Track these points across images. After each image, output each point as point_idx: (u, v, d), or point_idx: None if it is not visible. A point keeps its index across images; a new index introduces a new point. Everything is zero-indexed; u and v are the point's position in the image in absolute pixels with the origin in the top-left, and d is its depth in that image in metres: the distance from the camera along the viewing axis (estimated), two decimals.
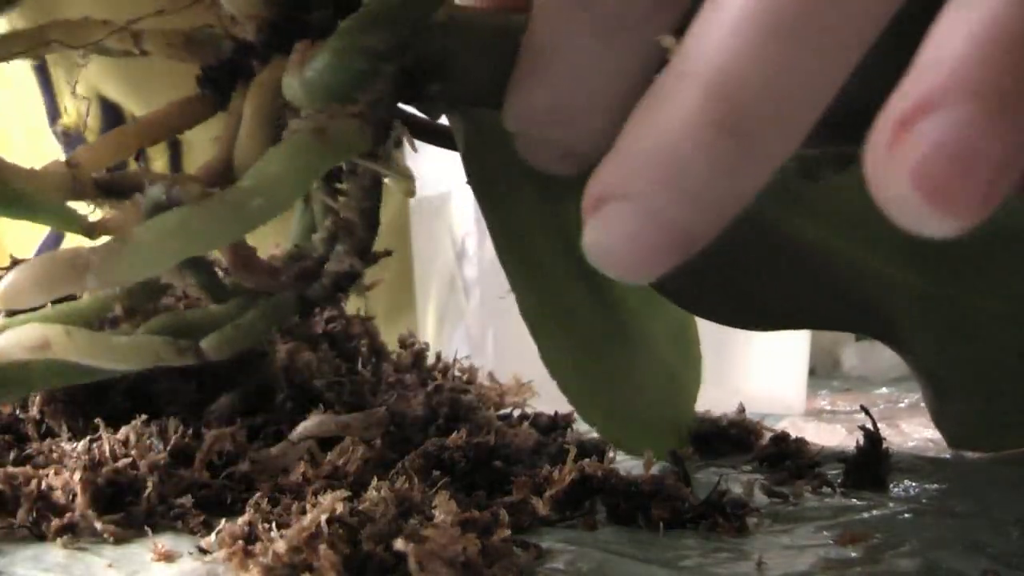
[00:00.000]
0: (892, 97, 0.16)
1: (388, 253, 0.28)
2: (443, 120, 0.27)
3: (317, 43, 0.23)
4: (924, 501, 0.31)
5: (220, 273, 0.25)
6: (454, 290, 0.53)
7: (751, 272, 0.32)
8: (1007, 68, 0.16)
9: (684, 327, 0.37)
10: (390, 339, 0.40)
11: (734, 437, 0.39)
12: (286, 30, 0.24)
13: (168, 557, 0.23)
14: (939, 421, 0.39)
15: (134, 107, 0.73)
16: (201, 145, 0.74)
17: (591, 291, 0.32)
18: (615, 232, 0.19)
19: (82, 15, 0.25)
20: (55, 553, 0.24)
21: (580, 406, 0.32)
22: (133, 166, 0.25)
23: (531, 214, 0.28)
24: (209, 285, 0.24)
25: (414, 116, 0.26)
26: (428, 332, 0.55)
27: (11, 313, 0.22)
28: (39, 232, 0.84)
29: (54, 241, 0.82)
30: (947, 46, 0.16)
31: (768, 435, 0.38)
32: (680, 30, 0.19)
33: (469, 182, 0.28)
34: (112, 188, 0.22)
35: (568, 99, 0.22)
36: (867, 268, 0.32)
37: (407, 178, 0.27)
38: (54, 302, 0.22)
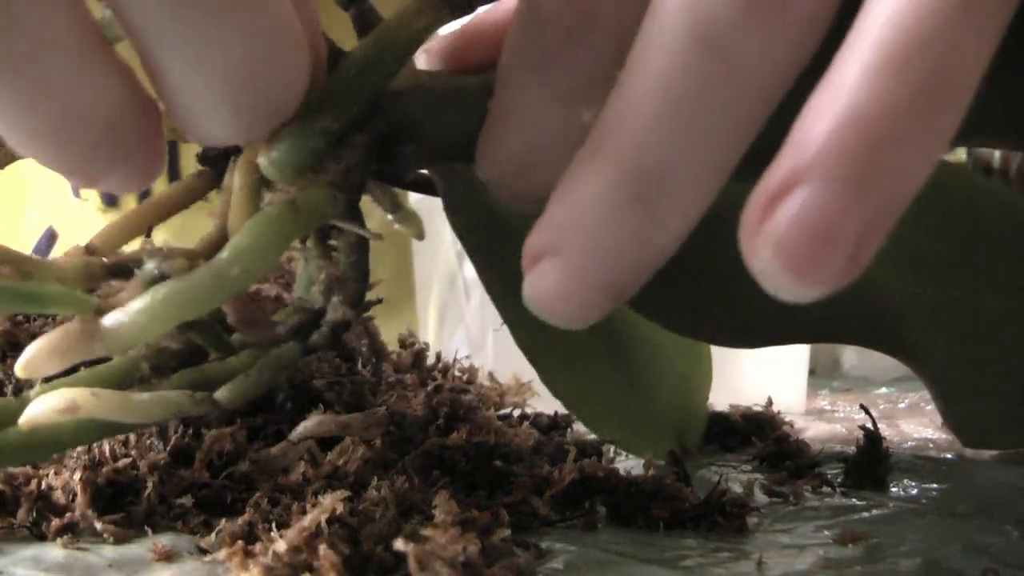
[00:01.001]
0: (763, 176, 0.18)
1: (379, 301, 0.31)
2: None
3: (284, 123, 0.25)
4: (924, 501, 0.31)
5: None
6: (454, 290, 0.53)
7: (753, 293, 0.32)
8: (862, 153, 0.17)
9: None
10: (390, 339, 0.40)
11: (743, 432, 0.39)
12: None
13: (168, 557, 0.23)
14: (950, 421, 0.39)
15: None
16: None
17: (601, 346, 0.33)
18: (548, 286, 0.21)
19: None
20: (55, 553, 0.24)
21: (593, 423, 0.34)
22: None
23: (514, 253, 0.30)
24: (215, 342, 0.26)
25: (391, 168, 0.28)
26: (428, 332, 0.55)
27: (47, 379, 0.24)
28: (33, 237, 0.84)
29: (47, 240, 0.82)
30: (811, 129, 0.17)
31: (783, 429, 0.39)
32: None
33: (454, 229, 0.30)
34: (118, 270, 0.25)
35: (533, 153, 0.24)
36: (868, 278, 0.33)
37: (414, 221, 0.29)
38: (87, 364, 0.25)
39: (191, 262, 0.23)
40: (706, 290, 0.32)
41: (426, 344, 0.41)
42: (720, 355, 0.39)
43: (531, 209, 0.25)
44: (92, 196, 0.75)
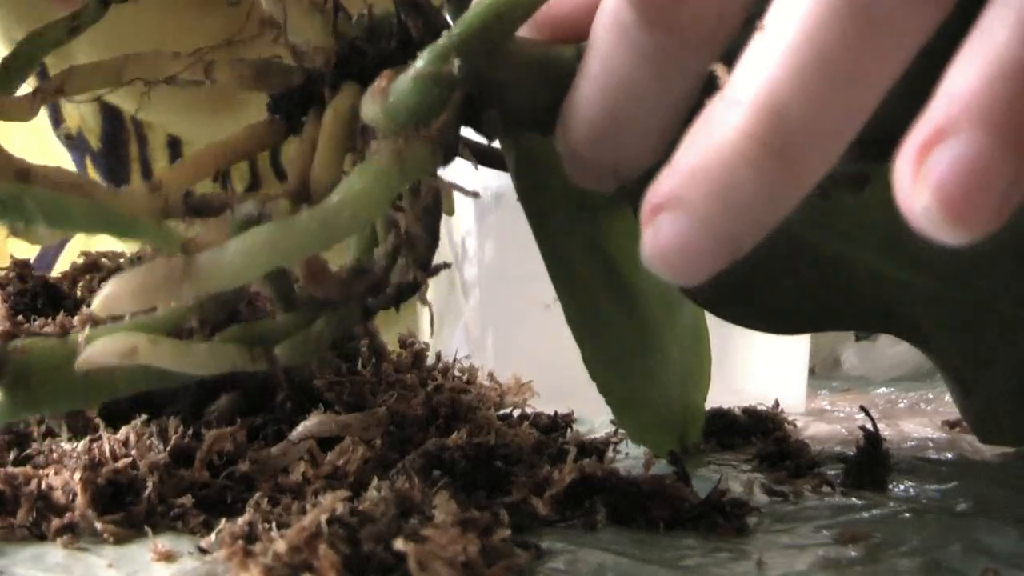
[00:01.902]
0: (916, 124, 0.19)
1: (447, 265, 0.30)
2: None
3: (398, 71, 0.25)
4: (924, 501, 0.31)
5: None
6: (454, 290, 0.53)
7: (779, 280, 0.34)
8: (1012, 101, 0.18)
9: (697, 335, 0.38)
10: (390, 339, 0.40)
11: (744, 429, 0.39)
12: (352, 60, 0.27)
13: (168, 557, 0.23)
14: (967, 417, 0.39)
15: (132, 109, 0.73)
16: (201, 145, 0.74)
17: (620, 302, 0.34)
18: (670, 238, 0.21)
19: (149, 45, 0.28)
20: (55, 553, 0.24)
21: (614, 405, 0.34)
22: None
23: (572, 233, 0.31)
24: (284, 295, 0.25)
25: (468, 139, 0.28)
26: (428, 332, 0.55)
27: (94, 324, 0.23)
28: None
29: (58, 242, 0.82)
30: (962, 80, 0.19)
31: (784, 427, 0.39)
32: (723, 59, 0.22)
33: (520, 199, 0.30)
34: (202, 208, 0.24)
35: (618, 123, 0.24)
36: (885, 275, 0.34)
37: (473, 194, 0.29)
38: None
39: (293, 205, 0.22)
40: (741, 273, 0.33)
41: (426, 344, 0.41)
42: (722, 355, 0.39)
43: (599, 187, 0.26)
44: None
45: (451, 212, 0.32)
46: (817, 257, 0.33)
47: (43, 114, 0.74)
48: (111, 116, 0.73)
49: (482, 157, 0.29)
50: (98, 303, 0.21)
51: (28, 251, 0.81)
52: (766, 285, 0.34)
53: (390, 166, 0.23)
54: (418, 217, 0.26)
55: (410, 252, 0.26)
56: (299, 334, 0.25)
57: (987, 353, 0.36)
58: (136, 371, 0.23)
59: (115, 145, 0.71)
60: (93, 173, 0.71)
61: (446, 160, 0.25)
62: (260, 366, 0.24)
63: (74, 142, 0.73)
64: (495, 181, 0.50)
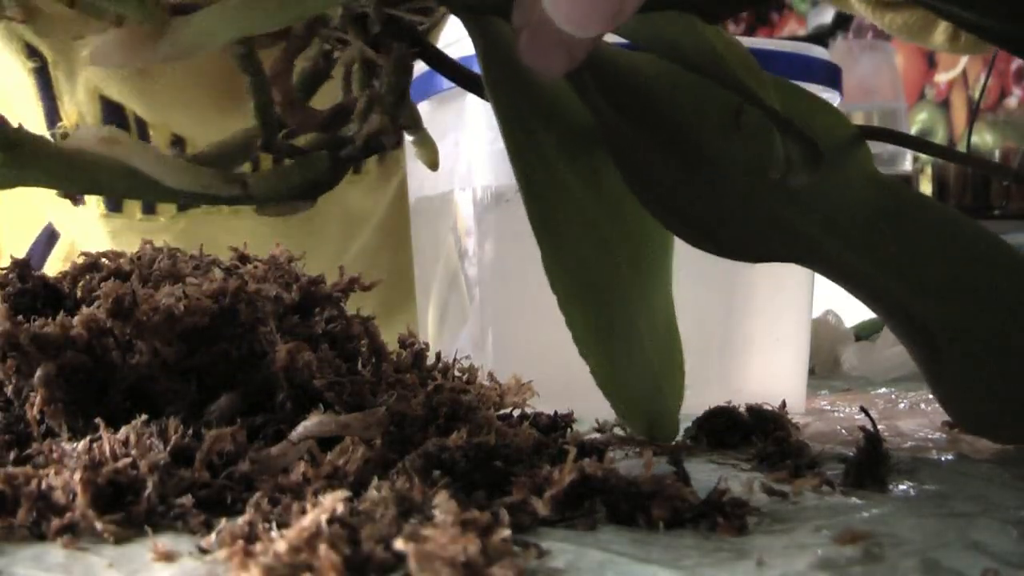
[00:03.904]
0: None
1: (417, 125, 0.32)
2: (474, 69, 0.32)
3: None
4: (924, 501, 0.31)
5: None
6: (456, 290, 0.53)
7: (736, 224, 0.36)
8: None
9: (669, 333, 0.38)
10: (390, 339, 0.40)
11: (744, 428, 0.39)
12: None
13: (168, 557, 0.23)
14: (936, 391, 0.40)
15: (136, 106, 0.73)
16: (203, 144, 0.74)
17: (600, 247, 0.34)
18: None
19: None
20: (55, 553, 0.24)
21: (585, 353, 0.33)
22: None
23: (541, 114, 0.33)
24: (268, 125, 0.28)
25: (449, 59, 0.31)
26: (429, 332, 0.55)
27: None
28: (35, 231, 0.84)
29: (46, 239, 0.82)
30: None
31: (787, 428, 0.39)
32: None
33: (487, 89, 0.31)
34: (183, 10, 0.26)
35: None
36: (839, 258, 0.36)
37: (429, 146, 0.30)
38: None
39: None
40: (712, 212, 0.35)
41: (426, 344, 0.41)
42: (721, 355, 0.39)
43: (551, 68, 0.28)
44: (93, 200, 0.75)
45: (435, 167, 0.33)
46: (782, 227, 0.35)
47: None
48: (112, 114, 0.73)
49: (460, 78, 0.31)
50: (91, 56, 0.23)
51: (21, 251, 0.81)
52: (725, 225, 0.36)
53: None
54: (387, 76, 0.29)
55: (380, 106, 0.29)
56: (273, 169, 0.27)
57: (961, 318, 0.37)
58: (117, 170, 0.24)
59: None
60: None
61: None
62: (233, 191, 0.26)
63: None
64: (495, 181, 0.50)
